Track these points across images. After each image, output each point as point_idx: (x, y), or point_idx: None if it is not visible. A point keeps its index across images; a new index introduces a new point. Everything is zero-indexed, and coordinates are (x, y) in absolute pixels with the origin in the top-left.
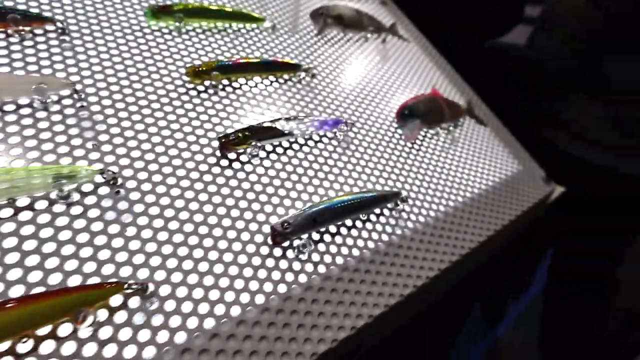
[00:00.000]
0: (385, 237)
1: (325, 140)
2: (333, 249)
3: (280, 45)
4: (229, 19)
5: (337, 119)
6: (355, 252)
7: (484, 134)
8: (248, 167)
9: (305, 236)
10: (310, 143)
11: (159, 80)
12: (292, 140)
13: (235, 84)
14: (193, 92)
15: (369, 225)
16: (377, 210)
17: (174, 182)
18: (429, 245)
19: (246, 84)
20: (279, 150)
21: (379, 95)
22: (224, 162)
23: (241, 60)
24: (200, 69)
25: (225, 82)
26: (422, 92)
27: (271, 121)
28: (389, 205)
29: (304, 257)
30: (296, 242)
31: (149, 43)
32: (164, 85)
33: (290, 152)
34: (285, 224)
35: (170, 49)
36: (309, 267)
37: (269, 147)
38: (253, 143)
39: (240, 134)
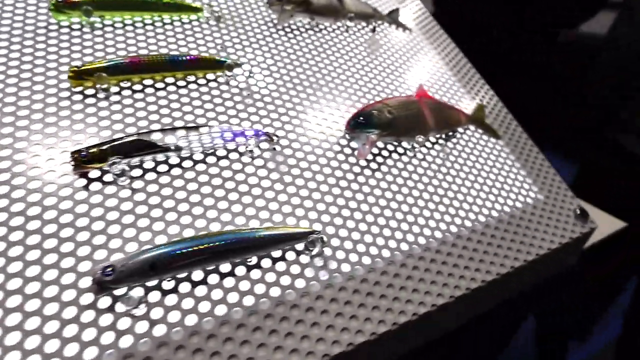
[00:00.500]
0: (275, 292)
1: (234, 156)
2: (187, 303)
3: (219, 39)
4: (155, 10)
5: (258, 130)
6: (220, 310)
7: (496, 149)
8: (109, 190)
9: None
10: (211, 159)
11: (41, 84)
12: (185, 155)
13: (137, 87)
14: (77, 97)
15: (255, 274)
16: (278, 253)
17: (5, 204)
18: (348, 308)
19: (152, 86)
20: (163, 167)
21: (338, 98)
22: (80, 183)
23: (141, 58)
24: (82, 69)
25: (126, 84)
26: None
27: (143, 133)
28: (299, 248)
29: (138, 312)
30: (136, 292)
31: (49, 41)
32: (43, 90)
33: (176, 171)
34: (108, 270)
35: (73, 48)
36: (141, 327)
37: (150, 164)
38: (116, 160)
39: (94, 150)
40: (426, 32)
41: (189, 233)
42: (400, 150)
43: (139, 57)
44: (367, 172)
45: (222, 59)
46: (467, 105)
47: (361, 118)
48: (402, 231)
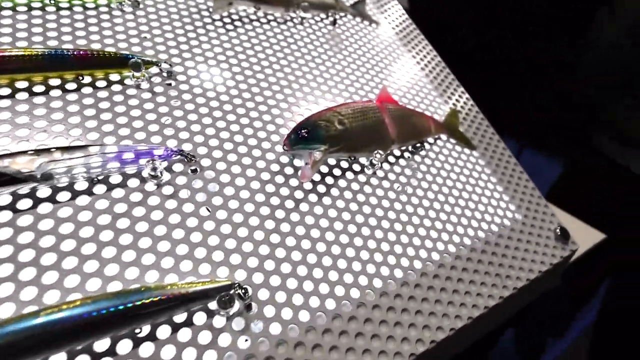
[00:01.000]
0: None
1: (133, 183)
2: None
3: (135, 30)
4: None
5: (170, 148)
6: None
7: (470, 161)
8: None
9: None
10: (100, 189)
11: None
12: (62, 185)
13: (4, 91)
14: None
15: (145, 349)
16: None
17: None
18: None
19: (27, 90)
20: (24, 203)
21: (283, 104)
22: None
23: (3, 54)
24: None
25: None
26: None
27: None
28: (213, 307)
29: None
30: None
31: None
32: None
33: (44, 208)
34: None
35: None
36: None
37: (5, 199)
38: None
39: None
40: (396, 27)
41: (51, 299)
42: (356, 167)
43: (8, 52)
44: (312, 197)
45: (128, 55)
46: (440, 111)
47: (303, 131)
48: (352, 273)
